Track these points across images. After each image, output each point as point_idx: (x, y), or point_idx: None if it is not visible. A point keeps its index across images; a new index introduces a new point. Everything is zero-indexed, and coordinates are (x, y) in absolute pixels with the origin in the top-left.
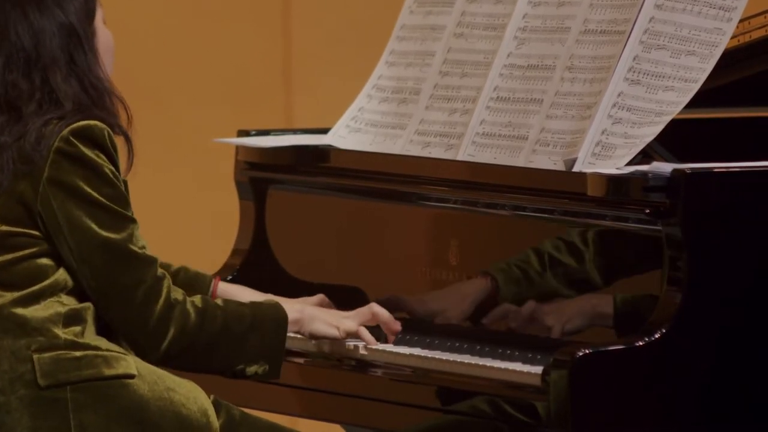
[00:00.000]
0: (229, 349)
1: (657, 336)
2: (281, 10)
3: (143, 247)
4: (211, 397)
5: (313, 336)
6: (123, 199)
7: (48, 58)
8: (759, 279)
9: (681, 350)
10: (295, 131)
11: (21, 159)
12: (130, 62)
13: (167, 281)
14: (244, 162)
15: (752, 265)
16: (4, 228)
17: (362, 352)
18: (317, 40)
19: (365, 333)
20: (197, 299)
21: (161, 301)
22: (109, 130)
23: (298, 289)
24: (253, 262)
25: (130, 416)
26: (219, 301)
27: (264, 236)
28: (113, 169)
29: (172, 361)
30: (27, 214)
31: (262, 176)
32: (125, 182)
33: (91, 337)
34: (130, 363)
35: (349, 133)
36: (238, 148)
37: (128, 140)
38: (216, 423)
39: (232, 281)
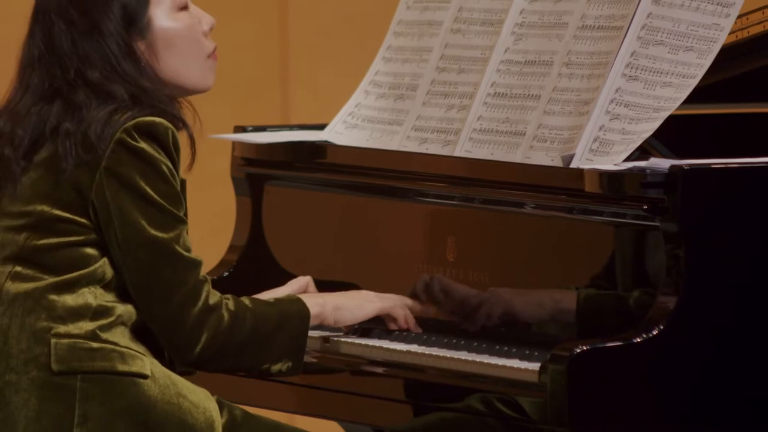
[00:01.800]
0: (257, 351)
1: (655, 332)
2: (278, 6)
3: (189, 249)
4: (215, 397)
5: (339, 324)
6: (176, 199)
7: (82, 59)
8: (757, 275)
9: (679, 346)
10: (291, 127)
11: (84, 147)
12: None
13: (207, 285)
14: (241, 158)
15: (750, 261)
16: (57, 212)
17: (351, 343)
18: (314, 35)
19: (399, 316)
20: (230, 302)
21: (200, 304)
22: (174, 129)
23: None
24: (250, 259)
25: (135, 415)
26: (247, 301)
27: (261, 232)
28: (171, 167)
29: (205, 364)
30: (80, 201)
31: (259, 172)
32: (183, 182)
33: (113, 333)
34: (146, 363)
35: (345, 129)
36: (235, 144)
37: (191, 136)
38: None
39: (228, 277)
